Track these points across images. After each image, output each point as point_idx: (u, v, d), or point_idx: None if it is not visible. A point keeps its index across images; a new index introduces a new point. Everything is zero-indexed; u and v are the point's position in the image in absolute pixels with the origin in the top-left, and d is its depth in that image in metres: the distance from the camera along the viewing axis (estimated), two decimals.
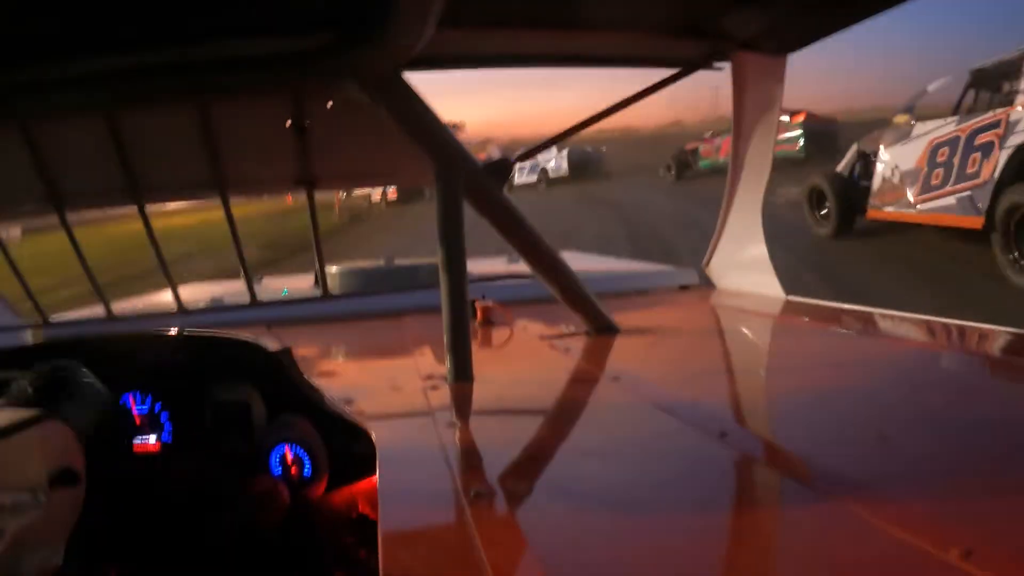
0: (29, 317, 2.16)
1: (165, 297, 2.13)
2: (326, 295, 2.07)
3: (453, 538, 0.69)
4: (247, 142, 1.76)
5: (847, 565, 0.57)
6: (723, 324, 1.83)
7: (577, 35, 1.56)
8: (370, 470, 1.07)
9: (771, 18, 1.55)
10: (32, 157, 1.70)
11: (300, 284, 2.88)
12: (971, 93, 6.98)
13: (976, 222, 6.21)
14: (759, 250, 1.93)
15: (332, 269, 2.59)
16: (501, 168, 1.35)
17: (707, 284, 2.11)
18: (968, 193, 6.30)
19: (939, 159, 6.76)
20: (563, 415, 1.17)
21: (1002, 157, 5.97)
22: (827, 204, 8.47)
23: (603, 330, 1.56)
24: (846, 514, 0.65)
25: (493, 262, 2.85)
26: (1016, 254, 5.86)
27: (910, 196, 7.14)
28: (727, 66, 1.75)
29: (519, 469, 0.92)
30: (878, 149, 7.88)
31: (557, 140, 1.73)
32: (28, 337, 2.09)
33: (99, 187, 1.91)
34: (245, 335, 1.28)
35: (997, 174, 5.97)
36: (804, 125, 14.85)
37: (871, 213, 7.93)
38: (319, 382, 1.21)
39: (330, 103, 1.56)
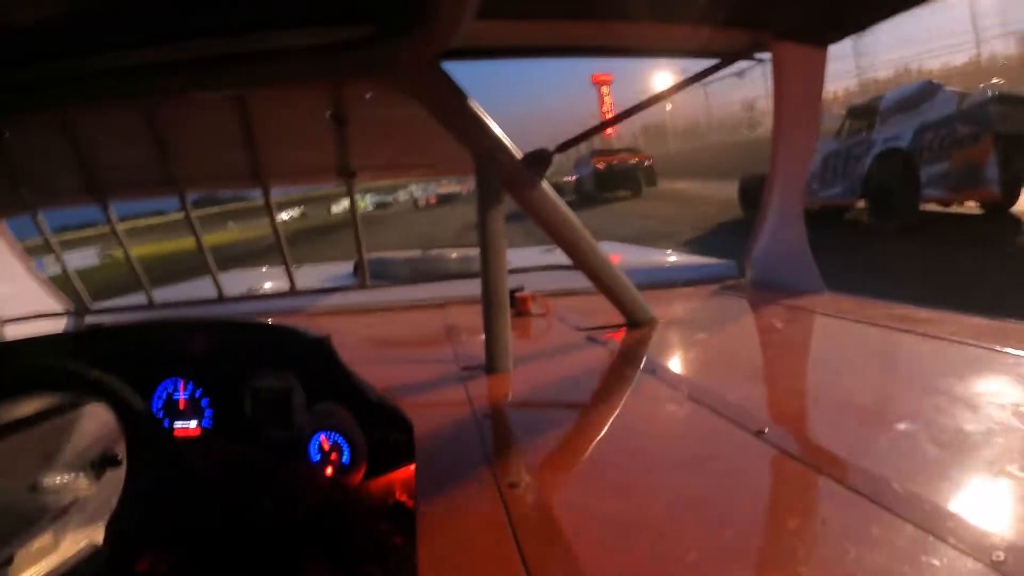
0: (73, 304, 2.21)
1: (205, 285, 2.16)
2: (365, 284, 2.09)
3: (488, 528, 0.70)
4: (287, 133, 1.78)
5: (879, 567, 0.57)
6: (763, 319, 1.80)
7: (616, 26, 1.55)
8: (407, 458, 1.07)
9: (811, 8, 1.53)
10: (75, 149, 1.74)
11: (339, 272, 2.91)
12: None
13: None
14: (801, 244, 1.89)
15: (371, 258, 2.61)
16: (540, 159, 1.34)
17: (748, 278, 2.08)
18: None
19: None
20: (599, 408, 1.17)
21: None
22: None
23: (641, 323, 1.54)
24: (881, 515, 0.64)
25: (532, 253, 2.85)
26: None
27: None
28: (767, 57, 1.73)
29: (555, 460, 0.92)
30: None
31: (598, 130, 1.72)
32: (72, 324, 2.14)
33: (142, 178, 1.94)
34: (285, 323, 1.29)
35: None
36: None
37: None
38: (358, 370, 1.22)
39: (369, 94, 1.57)
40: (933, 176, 8.17)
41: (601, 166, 20.61)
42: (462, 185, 38.27)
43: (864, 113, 9.75)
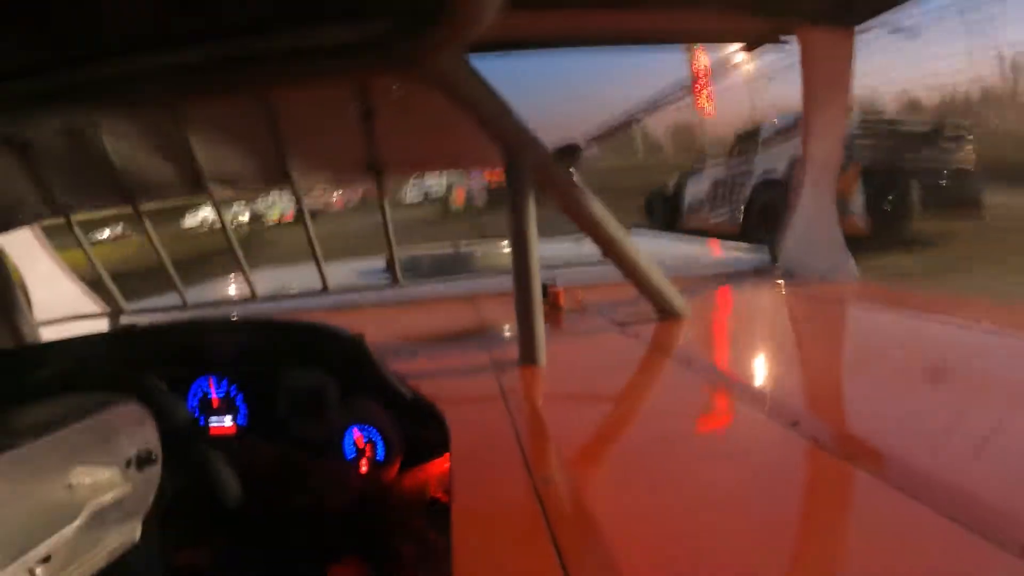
0: (108, 305, 2.24)
1: (239, 284, 2.18)
2: (397, 280, 2.10)
3: (524, 523, 0.69)
4: (314, 131, 1.78)
5: (918, 562, 0.56)
6: (795, 308, 1.78)
7: (641, 14, 1.53)
8: (442, 454, 1.08)
9: None
10: (104, 152, 1.76)
11: (371, 269, 2.92)
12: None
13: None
14: (832, 232, 1.87)
15: (402, 254, 2.62)
16: (569, 152, 1.34)
17: (779, 267, 2.06)
18: None
19: None
20: (633, 400, 1.16)
21: None
22: None
23: (674, 314, 1.53)
24: (919, 510, 0.63)
25: (564, 245, 2.84)
26: None
27: None
28: (791, 40, 1.70)
29: (589, 454, 0.91)
30: None
31: (631, 121, 1.70)
32: (107, 324, 2.18)
33: (172, 179, 1.96)
34: (318, 321, 1.30)
35: None
36: None
37: None
38: (391, 366, 1.23)
39: (396, 89, 1.57)
40: None
41: (492, 182, 18.50)
42: (341, 197, 30.88)
43: (748, 139, 9.83)
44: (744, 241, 7.84)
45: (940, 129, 8.12)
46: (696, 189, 10.79)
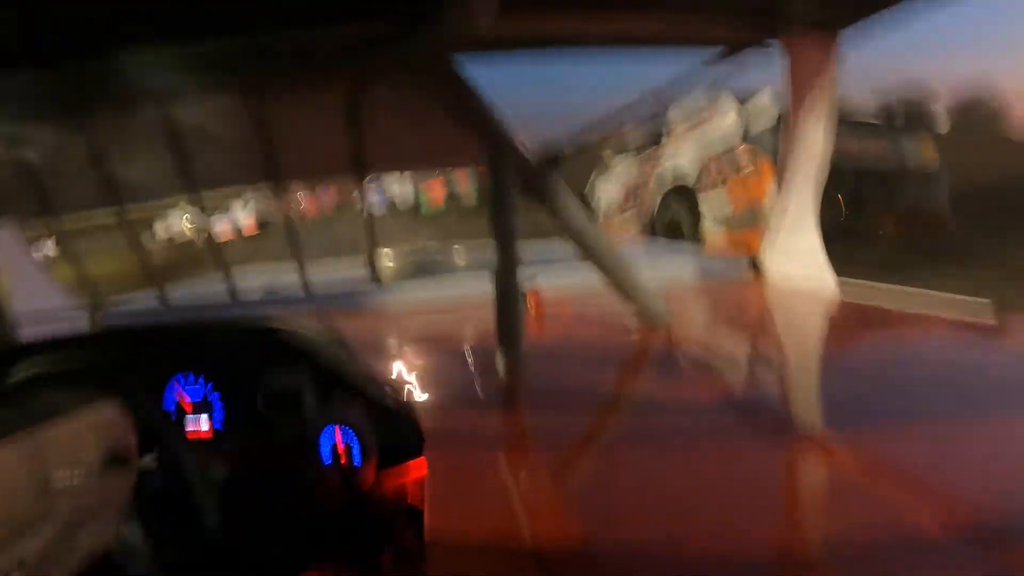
0: (87, 305, 2.22)
1: (219, 285, 2.17)
2: (378, 280, 2.09)
3: (500, 525, 0.69)
4: (300, 130, 1.77)
5: (898, 559, 0.57)
6: (777, 314, 1.79)
7: (622, 18, 1.53)
8: (419, 459, 1.07)
9: None
10: (89, 153, 1.74)
11: (353, 272, 2.91)
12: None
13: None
14: (812, 239, 1.88)
15: (385, 257, 2.61)
16: (552, 156, 1.34)
17: (761, 274, 2.07)
18: None
19: None
20: (613, 404, 1.16)
21: None
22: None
23: (656, 320, 1.53)
24: (898, 508, 0.64)
25: (545, 250, 2.84)
26: None
27: None
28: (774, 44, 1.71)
29: (569, 458, 0.91)
30: None
31: (610, 123, 1.69)
32: (86, 324, 2.16)
33: (155, 181, 1.94)
34: (297, 322, 1.29)
35: None
36: None
37: None
38: (370, 369, 1.22)
39: (383, 89, 1.56)
40: (717, 217, 6.92)
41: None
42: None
43: (657, 133, 8.33)
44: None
45: (891, 119, 6.88)
46: (606, 188, 9.37)
